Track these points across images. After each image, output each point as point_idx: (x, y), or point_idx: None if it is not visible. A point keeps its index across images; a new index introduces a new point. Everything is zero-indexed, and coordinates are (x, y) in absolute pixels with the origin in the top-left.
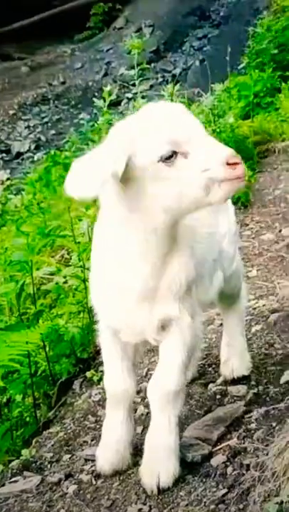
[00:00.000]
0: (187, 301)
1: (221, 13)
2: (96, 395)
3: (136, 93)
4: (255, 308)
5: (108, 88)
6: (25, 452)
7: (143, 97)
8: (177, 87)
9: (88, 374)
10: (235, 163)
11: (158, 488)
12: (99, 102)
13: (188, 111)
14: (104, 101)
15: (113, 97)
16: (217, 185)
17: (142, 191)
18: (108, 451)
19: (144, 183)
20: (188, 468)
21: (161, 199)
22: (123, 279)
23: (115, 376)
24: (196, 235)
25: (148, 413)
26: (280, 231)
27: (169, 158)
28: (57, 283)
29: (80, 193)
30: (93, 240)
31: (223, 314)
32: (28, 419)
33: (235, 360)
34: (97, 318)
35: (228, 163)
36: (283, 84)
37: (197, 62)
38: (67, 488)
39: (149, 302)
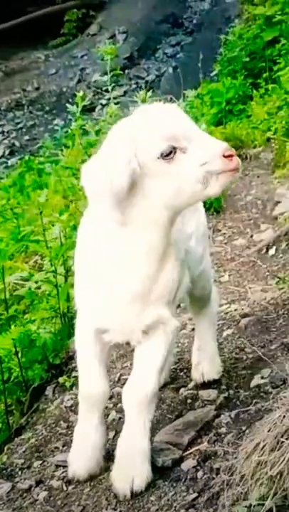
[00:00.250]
0: (172, 305)
1: (194, 21)
2: (68, 400)
3: (109, 99)
4: (227, 313)
5: (81, 93)
6: None
7: (116, 103)
8: (150, 93)
9: (61, 380)
10: (231, 156)
11: (131, 492)
12: (72, 108)
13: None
14: (77, 106)
15: (87, 102)
16: (215, 177)
17: (143, 189)
18: (83, 455)
19: (144, 181)
20: (159, 473)
21: (162, 195)
22: (118, 279)
23: (93, 378)
24: None
25: (120, 418)
26: (251, 236)
27: (169, 154)
28: (29, 288)
29: (105, 203)
30: (79, 240)
31: (194, 318)
32: (0, 425)
33: (206, 365)
34: (80, 317)
35: (224, 156)
36: (255, 91)
37: (170, 69)
38: (38, 495)
39: (142, 303)
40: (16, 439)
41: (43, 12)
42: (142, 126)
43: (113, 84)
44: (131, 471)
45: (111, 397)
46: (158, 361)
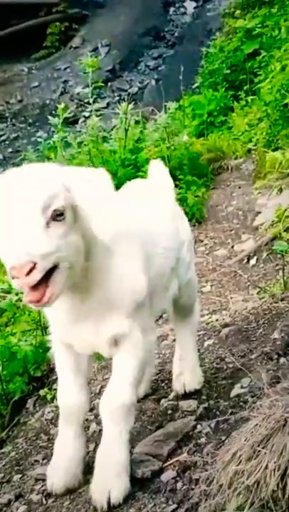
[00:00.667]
0: (138, 317)
1: (176, 34)
2: (49, 413)
3: (97, 110)
4: (208, 323)
5: (62, 105)
6: None
7: (99, 115)
8: (131, 105)
9: (42, 392)
10: (29, 271)
11: (108, 504)
12: (54, 120)
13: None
14: (59, 118)
15: (70, 115)
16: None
17: None
18: (60, 469)
19: None
20: (139, 484)
21: None
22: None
23: (68, 390)
24: (156, 244)
25: (101, 430)
26: (232, 247)
27: None
28: (10, 300)
29: None
30: None
31: (176, 328)
32: None
33: (187, 375)
34: (50, 331)
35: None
36: (236, 103)
37: (153, 82)
38: (17, 509)
39: (89, 320)
40: None
41: (25, 25)
42: None
43: (95, 97)
44: (108, 483)
45: (92, 409)
46: (131, 372)
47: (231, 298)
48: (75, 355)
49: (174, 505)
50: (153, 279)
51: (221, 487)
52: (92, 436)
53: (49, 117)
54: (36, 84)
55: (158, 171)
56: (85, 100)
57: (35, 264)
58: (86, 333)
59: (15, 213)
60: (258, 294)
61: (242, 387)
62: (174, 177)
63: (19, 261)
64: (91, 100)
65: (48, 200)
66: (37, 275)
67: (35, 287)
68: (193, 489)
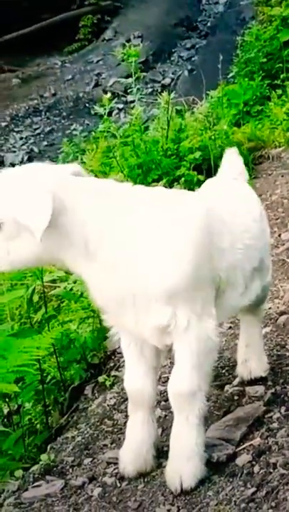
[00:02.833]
0: (185, 305)
1: (208, 24)
2: (111, 399)
3: (132, 101)
4: None
5: (108, 95)
6: (44, 457)
7: (134, 106)
8: (172, 95)
9: (100, 379)
10: None
11: (181, 489)
12: (99, 109)
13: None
14: (105, 108)
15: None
16: None
17: None
18: (130, 453)
19: None
20: (214, 468)
21: None
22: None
23: (132, 376)
24: (237, 239)
25: (166, 416)
26: (279, 235)
27: None
28: (65, 288)
29: None
30: None
31: (242, 316)
32: (38, 426)
33: (253, 361)
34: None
35: None
36: (273, 92)
37: (186, 72)
38: (92, 491)
39: (124, 305)
40: (58, 438)
41: (58, 18)
42: None
43: (138, 86)
44: (179, 467)
45: None
46: (186, 360)
47: (281, 286)
48: (136, 340)
49: (253, 489)
50: (224, 271)
51: None
52: (158, 421)
53: (94, 107)
54: (70, 77)
55: (232, 161)
56: (120, 92)
57: None
58: (125, 319)
59: None
60: None
61: None
62: (216, 167)
63: None
64: (134, 89)
65: None
66: None
67: None
68: (271, 473)
